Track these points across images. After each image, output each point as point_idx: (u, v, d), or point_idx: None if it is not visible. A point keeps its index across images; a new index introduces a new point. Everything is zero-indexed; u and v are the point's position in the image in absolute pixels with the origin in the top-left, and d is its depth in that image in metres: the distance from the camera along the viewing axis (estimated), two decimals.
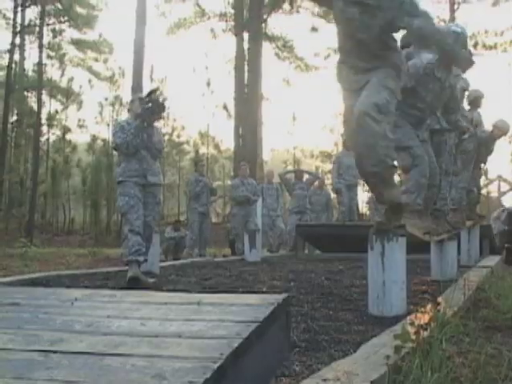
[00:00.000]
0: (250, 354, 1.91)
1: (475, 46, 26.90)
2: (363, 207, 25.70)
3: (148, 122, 6.63)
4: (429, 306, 3.79)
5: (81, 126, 31.51)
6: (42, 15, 28.63)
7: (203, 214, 12.75)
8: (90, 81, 32.40)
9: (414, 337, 2.85)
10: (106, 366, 1.76)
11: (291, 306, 2.75)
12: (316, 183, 15.19)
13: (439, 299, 3.95)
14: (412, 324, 3.06)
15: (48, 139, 31.44)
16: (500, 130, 8.81)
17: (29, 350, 1.89)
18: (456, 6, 27.66)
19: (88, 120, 31.84)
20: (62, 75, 31.59)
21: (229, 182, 23.18)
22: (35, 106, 29.03)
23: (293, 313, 3.60)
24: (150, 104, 6.65)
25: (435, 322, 3.23)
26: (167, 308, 2.39)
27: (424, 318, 3.37)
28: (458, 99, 6.30)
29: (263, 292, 5.48)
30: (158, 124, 7.57)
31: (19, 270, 9.39)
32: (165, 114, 27.57)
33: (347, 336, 3.60)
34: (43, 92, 29.33)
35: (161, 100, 6.73)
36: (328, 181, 25.68)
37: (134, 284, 6.21)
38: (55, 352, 1.86)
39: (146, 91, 8.01)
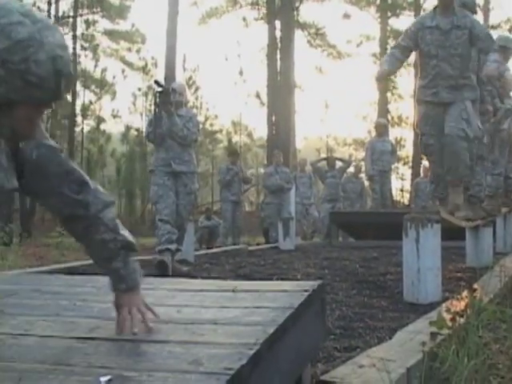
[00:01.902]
0: (285, 340, 1.92)
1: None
2: (397, 194, 25.59)
3: (165, 110, 6.63)
4: (464, 293, 3.76)
5: (115, 117, 31.66)
6: (76, 6, 28.82)
7: (236, 203, 12.76)
8: (123, 71, 32.53)
9: (449, 323, 2.84)
10: (143, 352, 1.78)
11: (326, 293, 2.75)
12: (352, 170, 15.13)
13: (475, 286, 3.92)
14: (448, 311, 3.05)
15: (82, 130, 31.66)
16: None
17: (67, 337, 1.91)
18: None
19: (122, 110, 32.05)
20: (96, 66, 31.73)
21: (262, 171, 23.15)
22: (70, 97, 29.27)
23: (327, 300, 3.60)
24: (157, 93, 6.69)
25: (471, 308, 3.20)
26: (202, 295, 2.40)
27: (460, 305, 3.35)
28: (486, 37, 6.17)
29: (298, 279, 5.49)
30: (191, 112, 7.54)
31: (56, 260, 9.51)
32: (197, 104, 27.48)
33: (382, 323, 3.60)
34: (77, 83, 29.54)
35: (164, 88, 6.71)
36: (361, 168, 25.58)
37: (162, 269, 6.24)
38: (93, 339, 1.88)
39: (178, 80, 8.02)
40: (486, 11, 26.70)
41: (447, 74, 6.01)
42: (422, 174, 16.06)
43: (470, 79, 6.10)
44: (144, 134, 6.93)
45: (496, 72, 6.29)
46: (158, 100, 6.70)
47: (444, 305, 3.55)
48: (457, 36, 5.95)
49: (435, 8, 6.17)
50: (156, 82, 6.92)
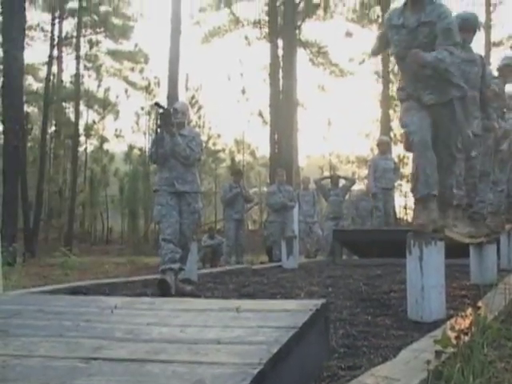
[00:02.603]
0: (289, 360, 1.91)
1: None
2: (400, 211, 25.55)
3: (167, 131, 6.65)
4: (469, 311, 3.75)
5: (118, 136, 31.72)
6: (79, 27, 29.00)
7: (239, 221, 12.75)
8: (126, 91, 32.61)
9: (454, 341, 2.82)
10: (147, 372, 1.78)
11: (329, 312, 2.74)
12: (364, 188, 15.09)
13: (479, 303, 3.91)
14: (452, 329, 3.03)
15: (86, 149, 31.75)
16: None
17: (71, 357, 1.91)
18: (492, 8, 27.37)
19: (125, 130, 32.09)
20: (99, 86, 31.85)
21: (265, 189, 23.17)
22: (73, 117, 29.37)
23: (331, 318, 3.59)
24: (159, 115, 6.72)
25: (476, 326, 3.19)
26: (206, 315, 2.40)
27: (464, 323, 3.33)
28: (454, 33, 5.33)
29: (301, 298, 5.48)
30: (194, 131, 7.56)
31: (59, 279, 9.49)
32: (200, 123, 27.58)
33: (386, 341, 3.58)
34: (81, 103, 29.65)
35: (164, 109, 6.74)
36: (361, 186, 25.47)
37: (165, 288, 6.23)
38: (96, 359, 1.88)
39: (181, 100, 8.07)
40: (488, 28, 26.77)
41: (424, 75, 5.27)
42: None
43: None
44: (147, 155, 6.96)
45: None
46: (159, 121, 6.72)
47: (448, 323, 3.53)
48: (424, 34, 5.13)
49: (405, 3, 5.30)
50: (157, 104, 6.95)
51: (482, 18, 26.17)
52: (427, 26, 5.12)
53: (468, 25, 6.42)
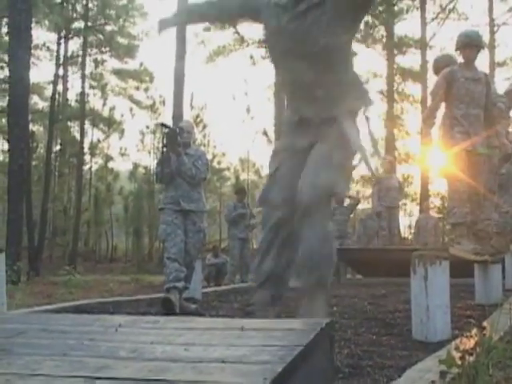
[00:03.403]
0: (293, 379, 1.90)
1: None
2: (405, 231, 25.52)
3: (173, 151, 6.66)
4: (474, 331, 3.73)
5: (123, 155, 31.88)
6: (85, 46, 29.21)
7: (243, 240, 12.75)
8: (131, 109, 32.79)
9: (459, 362, 2.81)
10: None
11: (334, 331, 2.73)
12: (371, 207, 15.10)
13: (484, 323, 3.90)
14: (457, 349, 3.02)
15: (91, 168, 31.91)
16: None
17: (74, 376, 1.90)
18: (496, 28, 27.49)
19: (130, 148, 32.29)
20: (104, 104, 32.05)
21: None
22: (78, 136, 29.49)
23: (336, 338, 3.58)
24: (164, 135, 6.74)
25: (481, 346, 3.17)
26: (210, 333, 2.39)
27: (469, 343, 3.32)
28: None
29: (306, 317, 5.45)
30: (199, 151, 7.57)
31: (63, 298, 9.48)
32: (205, 141, 27.62)
33: (391, 361, 3.57)
34: (86, 121, 29.79)
35: (170, 129, 6.76)
36: (368, 205, 25.39)
37: (169, 306, 6.22)
38: (100, 378, 1.87)
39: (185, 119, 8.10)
40: (492, 48, 26.86)
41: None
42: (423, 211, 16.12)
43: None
44: (153, 174, 7.00)
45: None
46: (165, 141, 6.74)
47: (453, 343, 3.52)
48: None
49: None
50: (162, 125, 6.98)
51: (485, 39, 26.31)
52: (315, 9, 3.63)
53: (471, 42, 6.46)
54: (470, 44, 6.48)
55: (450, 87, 6.49)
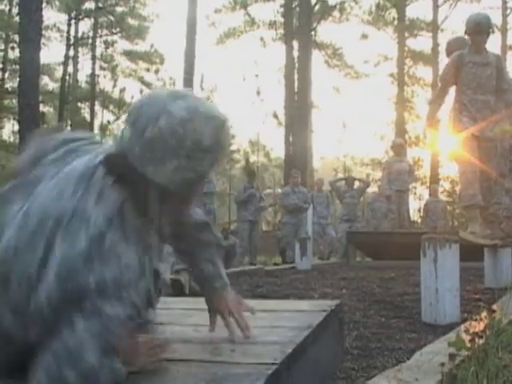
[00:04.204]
0: (303, 360, 1.91)
1: None
2: (414, 214, 25.47)
3: None
4: (483, 314, 3.73)
5: None
6: (95, 27, 29.16)
7: (252, 222, 12.77)
8: (141, 91, 32.70)
9: (468, 345, 2.81)
10: (161, 371, 1.78)
11: (343, 313, 2.73)
12: (378, 190, 15.07)
13: (494, 307, 3.89)
14: (467, 331, 3.02)
15: None
16: None
17: None
18: (508, 11, 27.27)
19: None
20: (114, 86, 31.97)
21: (279, 191, 23.16)
22: (88, 117, 29.51)
23: (345, 320, 3.58)
24: None
25: (490, 329, 3.17)
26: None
27: (479, 326, 3.31)
28: None
29: (315, 299, 5.47)
30: None
31: None
32: None
33: (400, 344, 3.57)
34: (96, 103, 29.78)
35: None
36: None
37: (178, 288, 6.23)
38: None
39: None
40: (504, 31, 26.66)
41: None
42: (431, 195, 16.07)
43: None
44: None
45: None
46: None
47: (463, 326, 3.51)
48: None
49: None
50: None
51: (497, 22, 26.11)
52: None
53: (481, 29, 6.38)
54: (480, 31, 6.41)
55: (459, 71, 6.42)
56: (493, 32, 6.63)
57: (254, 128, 42.62)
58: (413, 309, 4.91)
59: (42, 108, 26.93)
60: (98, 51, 30.31)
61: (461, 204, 6.61)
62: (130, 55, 33.31)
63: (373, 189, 20.46)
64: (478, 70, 6.34)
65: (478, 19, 6.43)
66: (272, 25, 29.19)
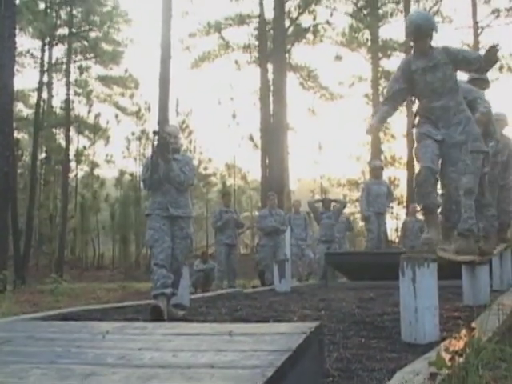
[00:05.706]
0: (284, 383, 1.89)
1: (500, 69, 26.86)
2: (392, 234, 25.55)
3: (163, 159, 6.60)
4: (463, 332, 3.73)
5: (108, 161, 31.80)
6: (69, 53, 29.11)
7: (230, 246, 12.73)
8: (116, 116, 32.73)
9: (449, 363, 2.80)
10: None
11: (323, 335, 2.72)
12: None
13: (473, 324, 3.90)
14: (447, 350, 3.02)
15: (76, 175, 31.77)
16: None
17: None
18: (480, 31, 27.64)
19: (115, 155, 32.18)
20: (89, 111, 31.94)
21: (256, 213, 23.17)
22: (63, 143, 29.37)
23: (325, 342, 3.57)
24: (156, 141, 6.66)
25: (470, 347, 3.17)
26: (199, 339, 2.37)
27: (459, 344, 3.31)
28: None
29: (294, 321, 5.44)
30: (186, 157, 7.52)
31: (50, 306, 9.43)
32: (191, 147, 27.63)
33: (381, 364, 3.56)
34: (71, 128, 29.67)
35: (162, 137, 6.68)
36: (356, 209, 25.40)
37: (157, 313, 6.19)
38: None
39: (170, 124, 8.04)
40: (476, 51, 26.95)
41: None
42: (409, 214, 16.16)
43: None
44: (141, 180, 6.89)
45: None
46: (156, 149, 6.66)
47: (442, 344, 3.51)
48: None
49: None
50: (155, 133, 6.88)
51: (469, 41, 26.48)
52: None
53: (421, 32, 5.85)
54: (420, 36, 5.94)
55: (411, 80, 6.00)
56: (436, 32, 6.10)
57: (230, 151, 42.77)
58: (392, 328, 4.90)
59: (17, 134, 26.85)
60: (73, 77, 30.26)
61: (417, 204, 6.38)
62: (104, 80, 33.31)
63: (350, 209, 20.52)
64: (427, 76, 5.82)
65: (417, 25, 5.80)
66: (246, 48, 29.37)
